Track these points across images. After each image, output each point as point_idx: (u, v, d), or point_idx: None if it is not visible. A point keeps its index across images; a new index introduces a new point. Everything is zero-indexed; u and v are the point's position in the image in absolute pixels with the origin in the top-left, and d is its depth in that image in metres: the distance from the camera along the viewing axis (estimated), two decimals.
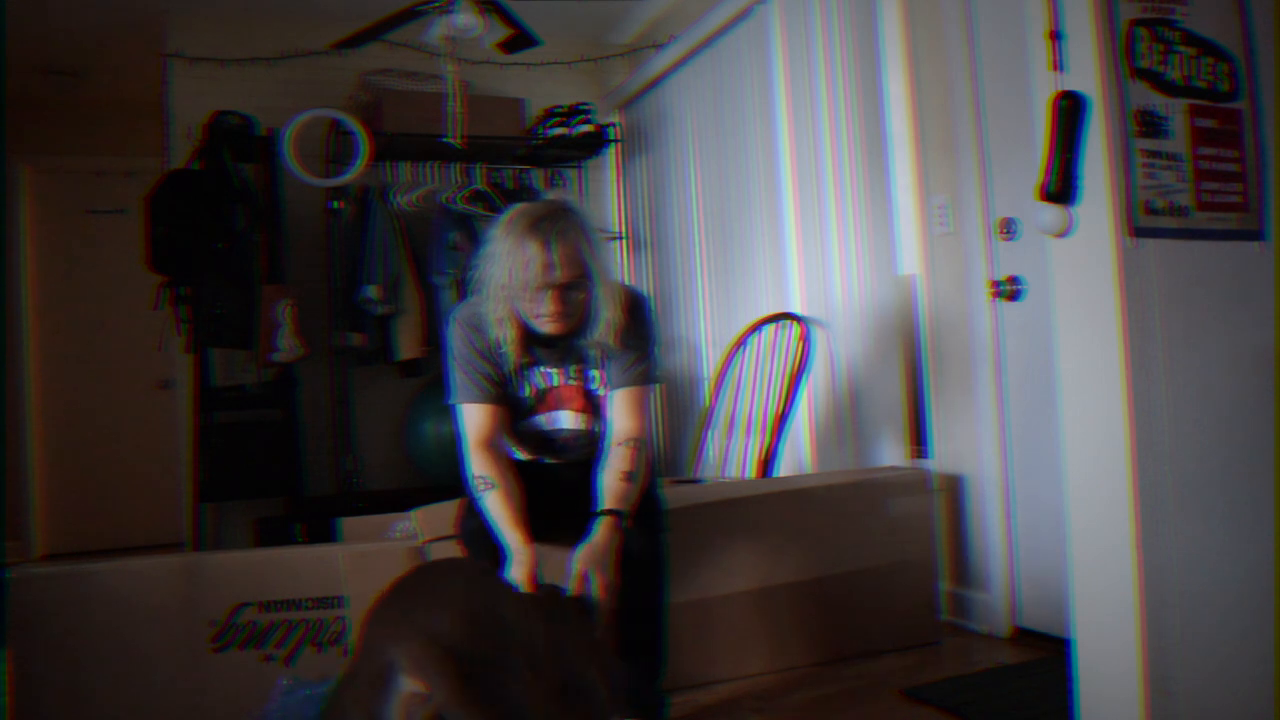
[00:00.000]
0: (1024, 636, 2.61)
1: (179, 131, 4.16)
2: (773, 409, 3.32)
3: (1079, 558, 1.79)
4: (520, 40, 3.63)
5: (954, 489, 2.80)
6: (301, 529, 3.94)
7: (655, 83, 4.58)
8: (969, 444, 2.74)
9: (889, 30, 2.94)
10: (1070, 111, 1.71)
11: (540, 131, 4.51)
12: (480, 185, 4.44)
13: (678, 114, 4.43)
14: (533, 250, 1.94)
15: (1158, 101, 1.74)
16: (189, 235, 3.80)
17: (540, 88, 4.69)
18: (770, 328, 3.50)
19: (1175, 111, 1.75)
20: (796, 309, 3.44)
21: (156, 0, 4.14)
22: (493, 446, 2.06)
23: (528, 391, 2.14)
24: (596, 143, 4.62)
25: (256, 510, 4.06)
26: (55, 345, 5.27)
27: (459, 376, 2.10)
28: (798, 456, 3.43)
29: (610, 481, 1.99)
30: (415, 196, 4.31)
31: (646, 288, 4.82)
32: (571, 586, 1.82)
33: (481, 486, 1.99)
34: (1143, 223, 1.71)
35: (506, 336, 2.05)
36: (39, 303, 5.25)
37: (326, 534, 3.51)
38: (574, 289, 2.00)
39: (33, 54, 4.60)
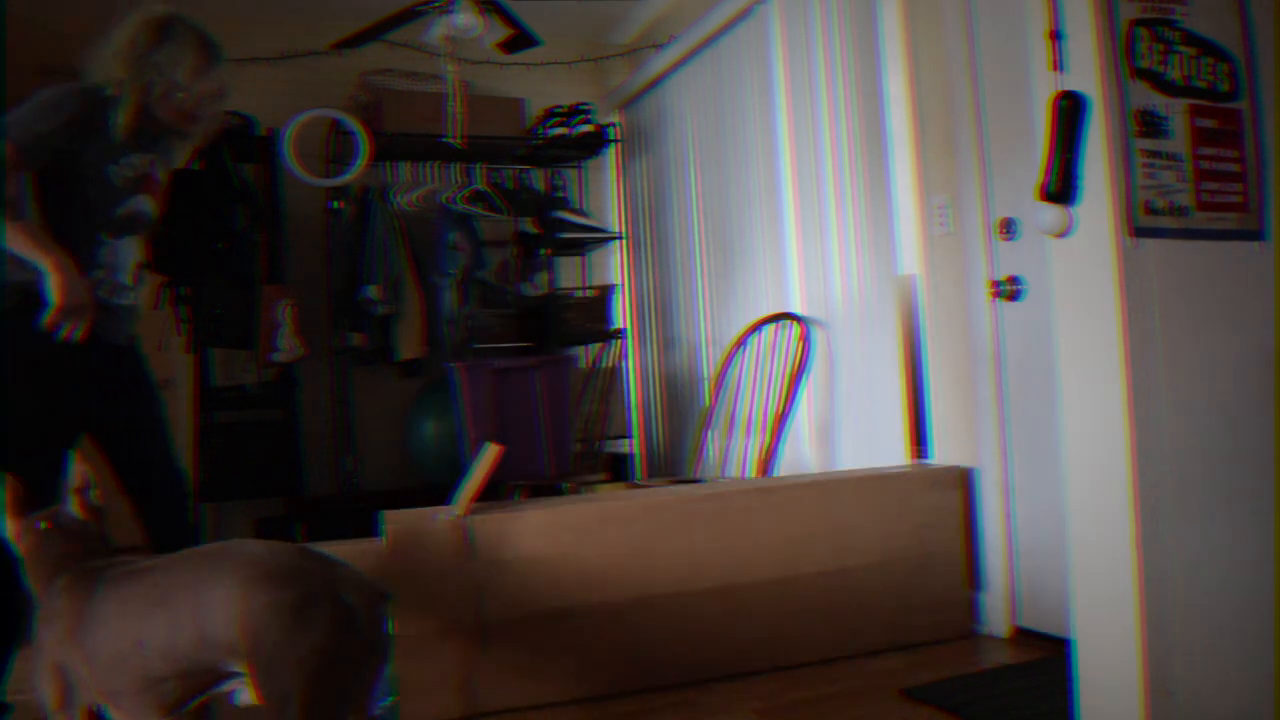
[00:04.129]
0: (1024, 636, 2.61)
1: None
2: (773, 409, 3.32)
3: (1079, 558, 1.79)
4: (520, 40, 3.63)
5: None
6: (301, 529, 3.94)
7: (655, 83, 4.58)
8: (969, 444, 2.74)
9: (889, 30, 2.94)
10: (1070, 111, 1.71)
11: (540, 131, 4.52)
12: (480, 185, 4.45)
13: (678, 114, 4.43)
14: (204, 64, 2.30)
15: (1158, 101, 1.74)
16: (189, 235, 3.80)
17: (540, 88, 4.69)
18: (770, 328, 3.50)
19: (1175, 111, 1.75)
20: (796, 309, 3.44)
21: (156, 1, 4.14)
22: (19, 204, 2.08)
23: (131, 172, 2.26)
24: (596, 143, 4.62)
25: (256, 510, 4.07)
26: None
27: (46, 132, 2.14)
28: (798, 456, 3.43)
29: None
30: (415, 196, 4.31)
31: (646, 288, 4.82)
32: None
33: (14, 212, 2.04)
34: (1143, 223, 1.71)
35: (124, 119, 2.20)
36: None
37: (326, 534, 3.51)
38: (211, 105, 2.36)
39: (33, 54, 4.60)
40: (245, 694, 1.48)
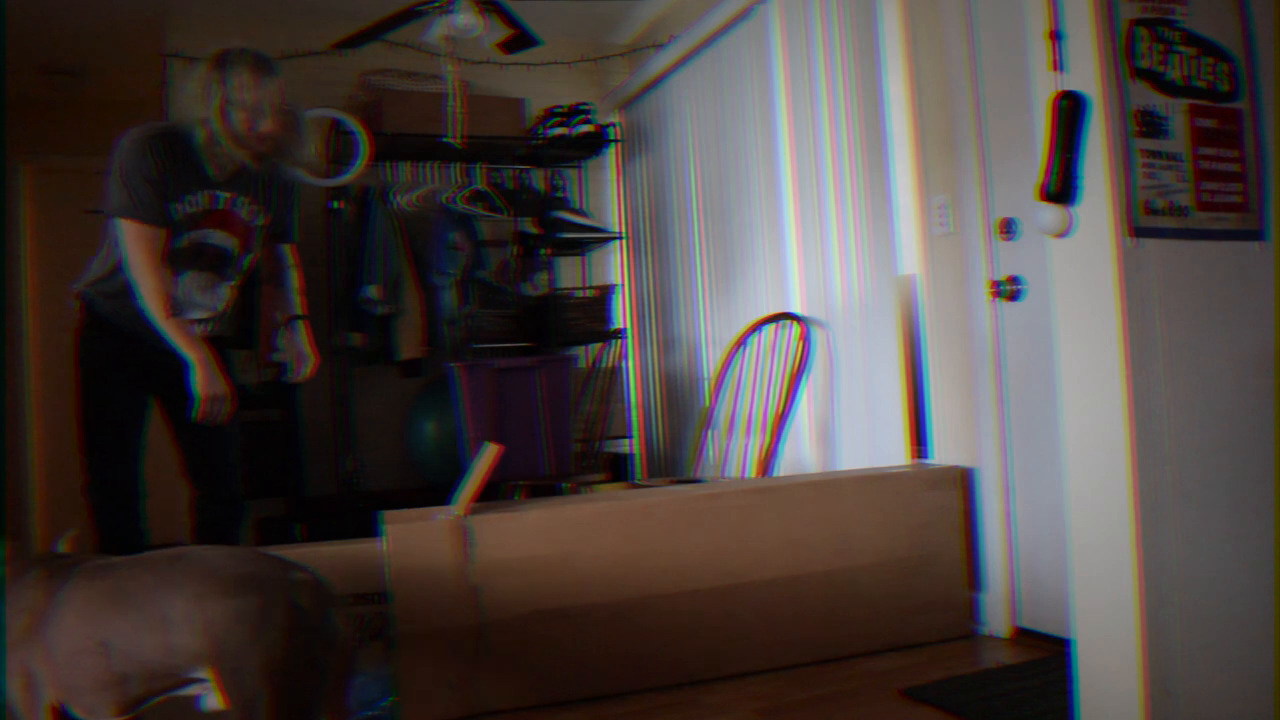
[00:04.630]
0: (1024, 636, 2.62)
1: None
2: (773, 409, 3.32)
3: (1079, 558, 1.79)
4: (520, 40, 3.63)
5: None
6: (301, 529, 3.94)
7: (655, 83, 4.58)
8: (969, 444, 2.74)
9: (889, 30, 2.94)
10: (1070, 111, 1.71)
11: (540, 131, 4.52)
12: (480, 185, 4.45)
13: (678, 114, 4.43)
14: (255, 83, 2.41)
15: (1158, 101, 1.74)
16: None
17: (540, 88, 4.69)
18: (770, 328, 3.50)
19: (1175, 111, 1.75)
20: (796, 309, 3.44)
21: (156, 0, 4.14)
22: (164, 269, 2.42)
23: (193, 209, 2.47)
24: (596, 143, 4.62)
25: (256, 510, 4.06)
26: (55, 345, 5.25)
27: (141, 192, 2.37)
28: (798, 456, 3.43)
29: (296, 295, 2.78)
30: (415, 196, 4.31)
31: (646, 288, 4.82)
32: (293, 365, 2.77)
33: (173, 309, 2.40)
34: (1143, 223, 1.71)
35: (211, 151, 2.41)
36: (39, 303, 5.25)
37: (326, 534, 3.51)
38: (284, 127, 2.47)
39: (33, 54, 4.60)
40: (210, 699, 1.49)
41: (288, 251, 2.81)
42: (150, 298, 2.39)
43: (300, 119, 2.52)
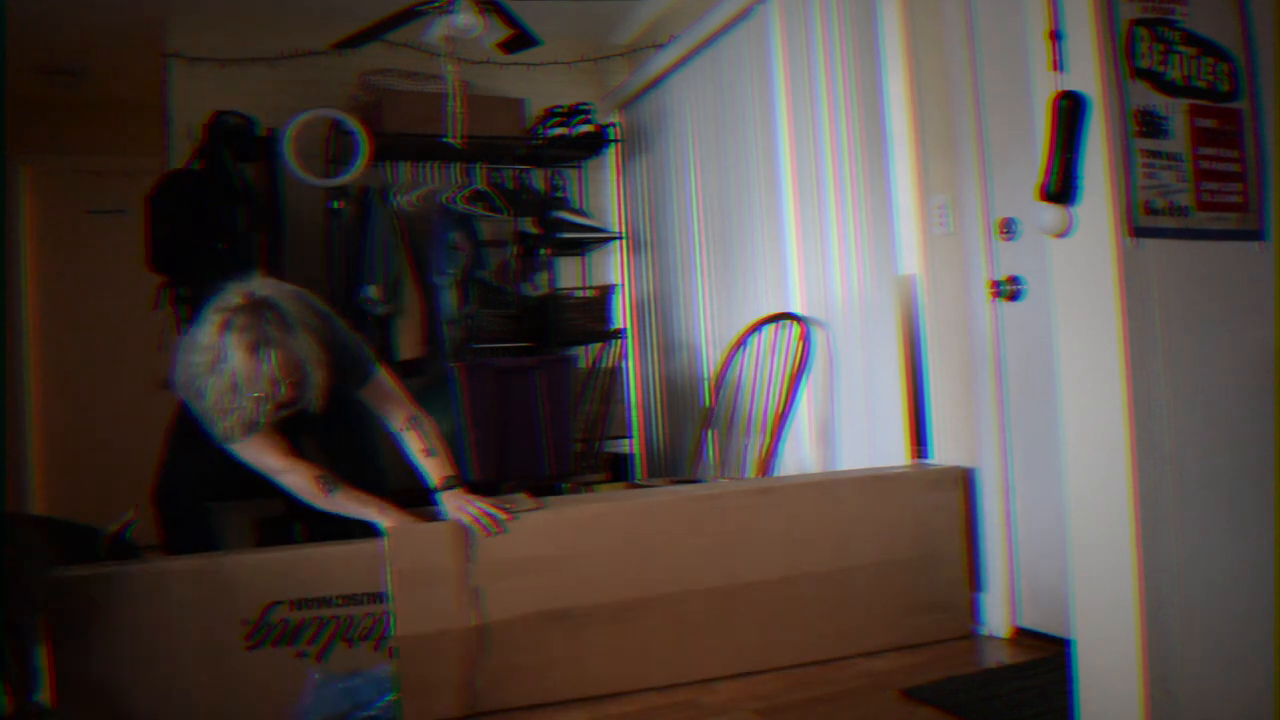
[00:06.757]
0: (1024, 636, 2.62)
1: (179, 131, 4.16)
2: (773, 409, 3.32)
3: (1079, 558, 1.79)
4: (520, 40, 3.63)
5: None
6: (302, 529, 3.93)
7: (655, 83, 4.58)
8: (969, 444, 2.74)
9: (889, 30, 2.94)
10: (1070, 111, 1.71)
11: (540, 131, 4.52)
12: (480, 185, 4.45)
13: (678, 114, 4.43)
14: (254, 369, 2.04)
15: (1158, 101, 1.74)
16: (190, 235, 3.80)
17: (540, 88, 4.69)
18: (770, 328, 3.50)
19: (1175, 111, 1.75)
20: (796, 309, 3.44)
21: (156, 0, 4.14)
22: (298, 455, 2.32)
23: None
24: (596, 143, 4.62)
25: (256, 510, 4.06)
26: (55, 345, 5.27)
27: (226, 423, 2.15)
28: (798, 456, 3.43)
29: (423, 461, 2.43)
30: (415, 196, 4.31)
31: (646, 288, 4.82)
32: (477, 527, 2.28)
33: (328, 484, 2.31)
34: (1143, 223, 1.71)
35: (233, 427, 2.17)
36: (39, 303, 5.26)
37: (327, 534, 3.50)
38: (295, 386, 2.11)
39: (32, 54, 4.60)
40: None
41: (369, 399, 2.52)
42: (303, 492, 2.31)
43: (307, 365, 2.13)
